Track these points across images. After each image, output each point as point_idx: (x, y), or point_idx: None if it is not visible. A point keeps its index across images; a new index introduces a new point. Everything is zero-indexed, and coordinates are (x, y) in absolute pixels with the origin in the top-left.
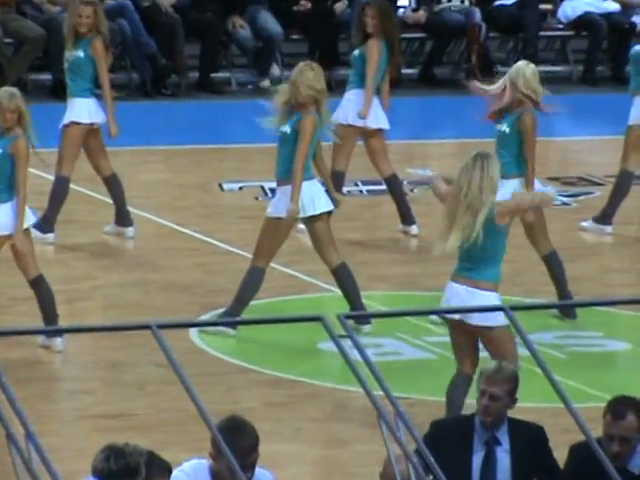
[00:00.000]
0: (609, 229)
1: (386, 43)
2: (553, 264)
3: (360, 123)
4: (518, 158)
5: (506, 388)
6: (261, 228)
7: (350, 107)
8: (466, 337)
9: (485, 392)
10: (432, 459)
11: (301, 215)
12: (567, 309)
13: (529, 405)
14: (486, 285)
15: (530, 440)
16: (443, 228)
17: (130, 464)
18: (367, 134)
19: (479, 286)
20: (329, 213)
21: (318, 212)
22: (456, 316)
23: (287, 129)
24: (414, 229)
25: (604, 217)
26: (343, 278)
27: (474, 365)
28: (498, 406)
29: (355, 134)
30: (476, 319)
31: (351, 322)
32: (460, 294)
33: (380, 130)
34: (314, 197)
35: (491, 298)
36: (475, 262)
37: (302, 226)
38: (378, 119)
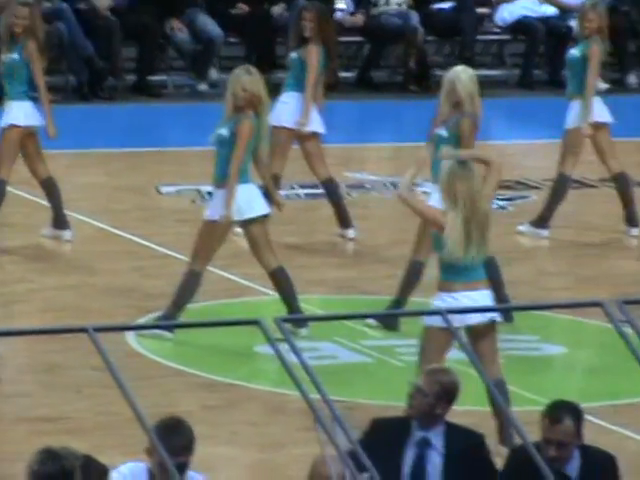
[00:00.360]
0: (546, 233)
1: (323, 47)
2: (490, 268)
3: (295, 126)
4: None
5: (435, 389)
6: (198, 231)
7: (285, 109)
8: (448, 343)
9: (414, 384)
10: (368, 461)
11: (238, 218)
12: (504, 312)
13: (467, 408)
14: (486, 283)
15: (467, 446)
16: (461, 237)
17: (66, 467)
18: (302, 138)
19: (481, 286)
20: (266, 216)
21: (255, 215)
22: (444, 321)
23: (225, 132)
24: (351, 233)
25: (541, 221)
26: (280, 281)
27: None
28: (420, 402)
29: (290, 137)
30: (483, 317)
31: (288, 325)
32: (458, 302)
33: (316, 134)
34: (251, 200)
35: (488, 296)
36: (475, 265)
37: (239, 229)
38: (313, 123)
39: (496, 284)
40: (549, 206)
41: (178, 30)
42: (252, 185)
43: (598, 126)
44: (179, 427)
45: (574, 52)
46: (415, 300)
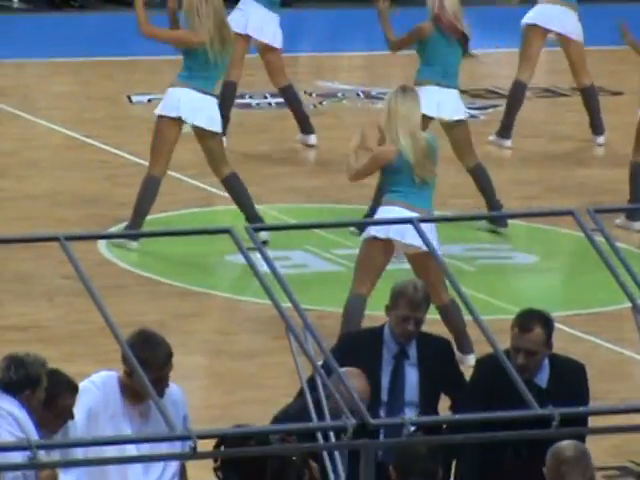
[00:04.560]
0: (509, 143)
1: None
2: (480, 175)
3: (254, 35)
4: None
5: (426, 309)
6: (153, 132)
7: (241, 16)
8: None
9: (410, 318)
10: (339, 370)
11: (190, 121)
12: (498, 219)
13: (433, 317)
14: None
15: (437, 353)
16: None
17: (31, 374)
18: (263, 48)
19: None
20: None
21: (209, 128)
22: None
23: None
24: (312, 139)
25: (503, 130)
26: (234, 188)
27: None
28: (420, 328)
29: (245, 45)
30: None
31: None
32: None
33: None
34: (209, 113)
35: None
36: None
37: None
38: (274, 36)
39: (487, 191)
40: (508, 115)
41: None
42: (212, 98)
43: (570, 40)
44: (155, 341)
45: None
46: None
